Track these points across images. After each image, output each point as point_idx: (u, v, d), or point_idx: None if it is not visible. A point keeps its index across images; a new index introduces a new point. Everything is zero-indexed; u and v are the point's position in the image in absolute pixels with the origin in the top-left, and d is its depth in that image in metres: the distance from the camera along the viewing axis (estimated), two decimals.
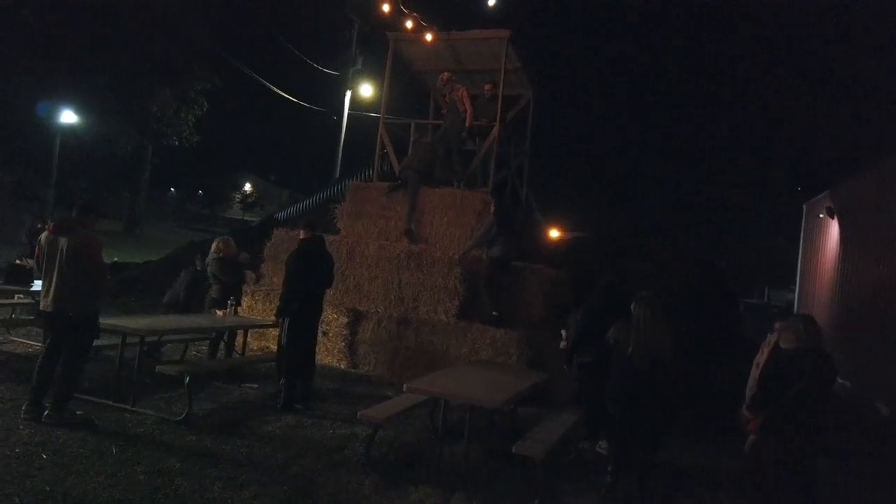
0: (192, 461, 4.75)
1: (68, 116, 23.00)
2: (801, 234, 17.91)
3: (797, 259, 18.29)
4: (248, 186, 64.72)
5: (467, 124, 10.34)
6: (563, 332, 6.91)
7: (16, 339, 8.18)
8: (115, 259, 17.41)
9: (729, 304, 12.51)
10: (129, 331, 6.02)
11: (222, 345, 7.77)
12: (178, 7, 25.19)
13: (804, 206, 17.84)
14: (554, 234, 18.16)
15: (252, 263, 9.41)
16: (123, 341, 6.18)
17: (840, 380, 12.67)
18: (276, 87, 25.54)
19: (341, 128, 25.75)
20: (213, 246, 8.10)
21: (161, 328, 6.53)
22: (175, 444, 5.08)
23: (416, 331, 8.64)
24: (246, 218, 50.47)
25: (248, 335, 8.57)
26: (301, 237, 6.79)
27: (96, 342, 6.31)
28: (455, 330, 8.46)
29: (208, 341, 7.93)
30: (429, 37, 10.66)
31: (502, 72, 10.57)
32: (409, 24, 10.75)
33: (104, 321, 5.90)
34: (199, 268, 8.52)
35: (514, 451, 4.83)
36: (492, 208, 8.63)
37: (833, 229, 14.61)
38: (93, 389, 6.02)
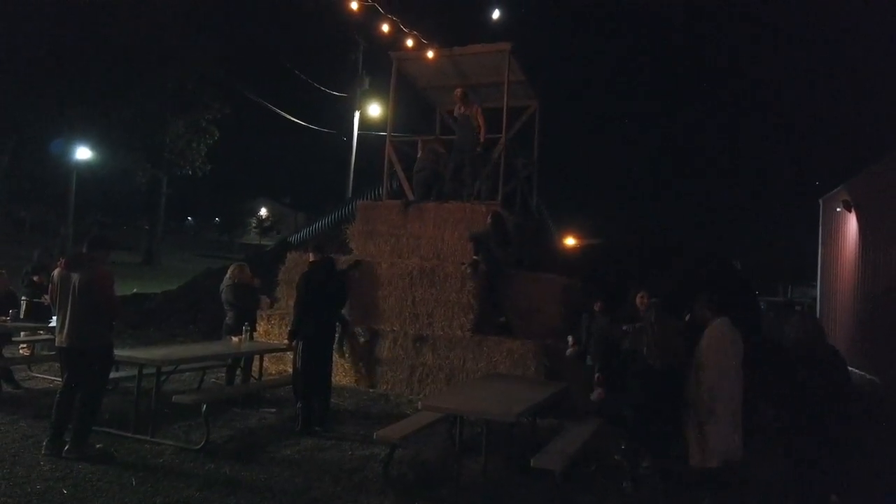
0: (210, 489, 4.75)
1: (83, 153, 23.40)
2: (820, 230, 17.67)
3: (817, 255, 18.04)
4: (263, 211, 65.34)
5: (482, 139, 10.40)
6: (570, 338, 6.89)
7: (37, 375, 8.27)
8: (135, 290, 17.60)
9: (749, 304, 12.34)
10: (145, 361, 6.06)
11: (239, 370, 7.79)
12: (189, 38, 25.65)
13: (821, 201, 17.61)
14: (569, 242, 18.09)
15: (265, 288, 9.45)
16: (140, 372, 6.22)
17: (868, 375, 12.42)
18: (286, 111, 25.91)
19: (352, 148, 25.96)
20: (228, 272, 8.16)
21: (178, 357, 6.56)
22: (194, 473, 5.08)
23: (433, 347, 8.61)
24: (263, 242, 50.87)
25: (266, 359, 8.60)
26: (310, 260, 6.82)
27: (115, 374, 6.40)
28: (471, 344, 8.42)
29: (225, 368, 7.95)
30: (430, 54, 10.75)
31: (506, 84, 10.60)
32: (409, 43, 10.84)
33: (121, 353, 5.97)
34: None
35: (532, 464, 4.77)
36: (488, 220, 8.85)
37: (851, 222, 14.40)
38: (112, 422, 6.04)
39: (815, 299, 18.97)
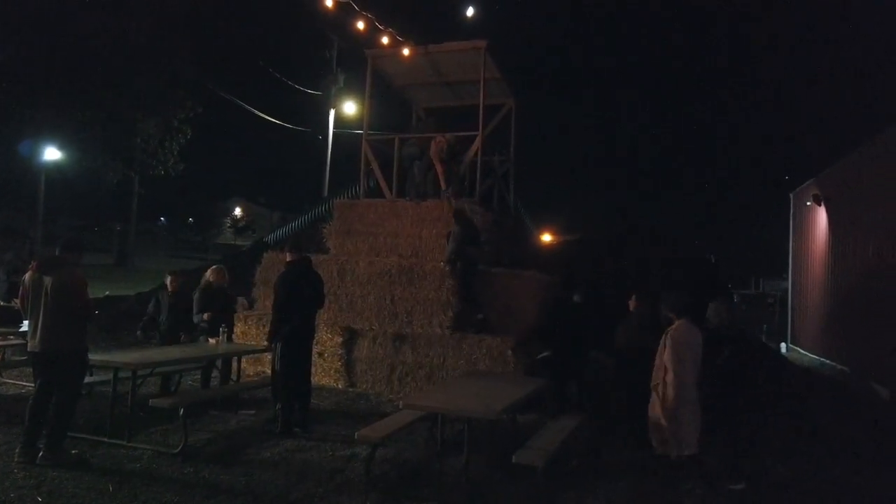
0: (190, 494, 4.69)
1: (52, 153, 22.84)
2: (791, 223, 18.00)
3: (788, 248, 18.37)
4: (237, 211, 64.65)
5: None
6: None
7: (7, 380, 8.09)
8: (107, 293, 17.28)
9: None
10: (120, 365, 5.97)
11: (216, 372, 7.70)
12: (159, 37, 25.21)
13: (791, 196, 17.94)
14: (545, 238, 18.18)
15: (242, 289, 9.35)
16: (115, 376, 6.12)
17: (839, 365, 12.69)
18: (260, 110, 25.62)
19: (327, 147, 25.77)
20: (205, 275, 8.02)
21: (153, 360, 6.46)
22: (172, 478, 5.01)
23: (412, 345, 8.60)
24: (238, 242, 50.35)
25: (244, 361, 8.51)
26: (288, 260, 6.75)
27: (89, 378, 6.29)
28: (450, 342, 8.43)
29: (201, 370, 7.84)
30: (406, 51, 10.71)
31: (482, 82, 10.61)
32: (385, 41, 10.79)
33: (95, 357, 5.87)
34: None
35: (514, 460, 4.79)
36: (454, 219, 8.81)
37: (821, 216, 14.68)
38: (87, 427, 5.93)
39: (786, 292, 19.33)
